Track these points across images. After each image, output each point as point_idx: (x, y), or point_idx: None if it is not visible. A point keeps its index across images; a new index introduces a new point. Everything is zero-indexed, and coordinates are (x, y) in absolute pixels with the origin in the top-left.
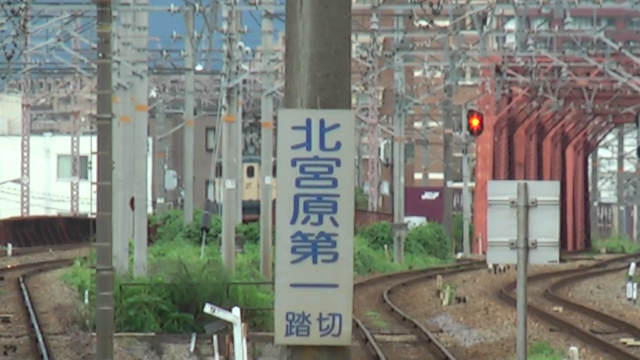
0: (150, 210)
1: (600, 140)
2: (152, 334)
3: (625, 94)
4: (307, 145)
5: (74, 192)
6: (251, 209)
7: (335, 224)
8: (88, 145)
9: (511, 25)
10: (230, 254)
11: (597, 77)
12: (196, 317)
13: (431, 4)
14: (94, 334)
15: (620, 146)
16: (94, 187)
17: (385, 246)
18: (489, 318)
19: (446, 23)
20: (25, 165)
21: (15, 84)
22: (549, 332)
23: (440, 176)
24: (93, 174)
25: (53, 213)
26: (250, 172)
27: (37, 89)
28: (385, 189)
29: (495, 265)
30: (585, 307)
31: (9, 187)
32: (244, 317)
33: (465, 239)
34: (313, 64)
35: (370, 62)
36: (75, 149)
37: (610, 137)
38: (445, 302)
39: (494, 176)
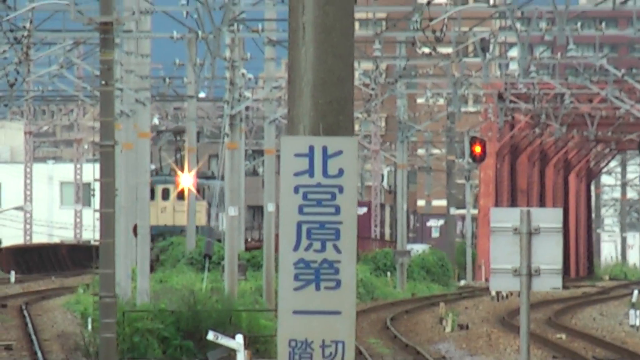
0: None
1: (603, 167)
2: None
3: (628, 121)
4: (310, 172)
5: (77, 219)
6: (165, 235)
7: (338, 251)
8: (91, 172)
9: (514, 52)
10: (233, 281)
11: (599, 103)
12: (200, 344)
13: (434, 31)
14: None
15: (623, 173)
16: (97, 214)
17: (388, 273)
18: (492, 345)
19: (449, 50)
20: (28, 192)
21: (18, 111)
22: (552, 359)
23: (443, 203)
24: (96, 201)
25: (56, 240)
26: (165, 195)
27: (40, 116)
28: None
29: (498, 292)
30: (588, 334)
31: (12, 214)
32: (247, 344)
33: (468, 266)
34: (316, 91)
35: (373, 89)
36: (78, 176)
37: (613, 164)
38: (448, 329)
39: (497, 203)
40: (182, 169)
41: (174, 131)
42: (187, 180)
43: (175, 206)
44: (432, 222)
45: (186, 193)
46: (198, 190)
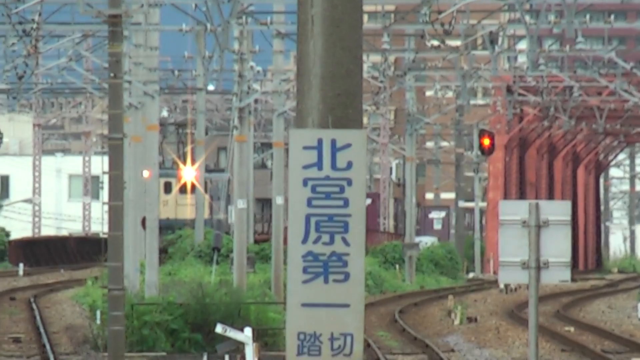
0: None
1: (612, 160)
2: (164, 353)
3: (636, 114)
4: (319, 165)
5: (86, 212)
6: (168, 229)
7: (347, 243)
8: (99, 165)
9: (522, 45)
10: (242, 274)
11: (608, 96)
12: (208, 337)
13: (442, 24)
14: (106, 354)
15: (632, 166)
16: (106, 207)
17: (397, 266)
18: (501, 338)
19: (457, 43)
20: (36, 185)
21: (27, 104)
22: (561, 352)
23: (452, 196)
24: (104, 194)
25: (64, 233)
26: (168, 188)
27: (49, 109)
28: None
29: (506, 285)
30: (597, 327)
31: (21, 207)
32: (256, 337)
33: (477, 258)
34: (324, 84)
35: (381, 81)
36: (86, 169)
37: (621, 156)
38: (456, 322)
39: (506, 196)
40: (185, 162)
41: (177, 124)
42: (189, 173)
43: (177, 199)
44: (434, 214)
45: (188, 186)
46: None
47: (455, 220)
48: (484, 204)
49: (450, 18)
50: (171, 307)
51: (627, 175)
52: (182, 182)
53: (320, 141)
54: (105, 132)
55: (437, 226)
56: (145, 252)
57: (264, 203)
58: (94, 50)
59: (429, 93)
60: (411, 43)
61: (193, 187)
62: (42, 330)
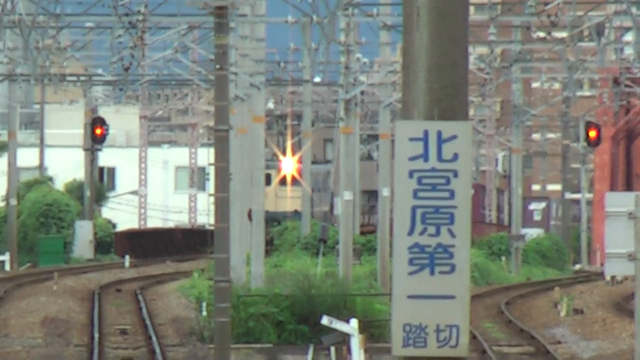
0: None
1: None
2: (270, 345)
3: None
4: (425, 156)
5: (192, 204)
6: (270, 221)
7: (453, 235)
8: (205, 156)
9: (629, 36)
10: (348, 265)
11: None
12: (314, 328)
13: (549, 16)
14: (212, 345)
15: None
16: (212, 199)
17: (503, 258)
18: (607, 330)
19: (564, 34)
20: (143, 177)
21: (133, 96)
22: None
23: (558, 187)
24: (210, 186)
25: (170, 225)
26: (267, 180)
27: (155, 101)
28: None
29: (612, 277)
30: None
31: (127, 198)
32: (362, 329)
33: (583, 250)
34: (430, 76)
35: (487, 73)
36: (192, 161)
37: None
38: (563, 313)
39: (612, 187)
40: (285, 154)
41: (277, 116)
42: (289, 165)
43: (277, 192)
44: (534, 206)
45: (288, 179)
46: (301, 175)
47: (562, 211)
48: (590, 196)
49: (556, 10)
50: (277, 298)
51: None
52: (282, 174)
53: (426, 133)
54: (211, 123)
55: (537, 217)
56: (251, 244)
57: (370, 195)
58: (200, 42)
59: (535, 85)
60: (517, 35)
61: (293, 179)
62: (148, 322)
